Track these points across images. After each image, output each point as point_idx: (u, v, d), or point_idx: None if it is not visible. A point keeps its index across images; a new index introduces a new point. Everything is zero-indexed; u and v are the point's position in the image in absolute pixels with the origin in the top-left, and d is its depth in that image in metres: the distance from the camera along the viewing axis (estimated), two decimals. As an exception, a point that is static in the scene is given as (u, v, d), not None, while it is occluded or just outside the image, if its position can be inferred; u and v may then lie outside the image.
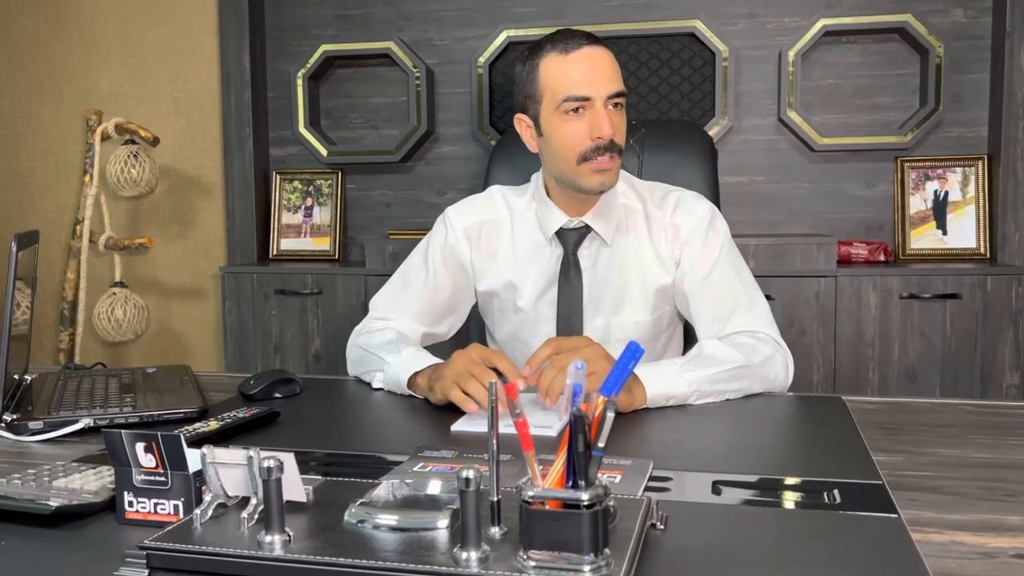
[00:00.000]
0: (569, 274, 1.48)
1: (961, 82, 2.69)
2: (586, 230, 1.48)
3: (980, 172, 2.66)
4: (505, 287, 1.53)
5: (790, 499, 0.85)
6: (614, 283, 1.48)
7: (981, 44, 2.68)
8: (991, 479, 0.91)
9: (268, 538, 0.66)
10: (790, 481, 0.90)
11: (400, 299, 1.56)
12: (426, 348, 1.45)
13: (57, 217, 3.21)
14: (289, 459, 0.70)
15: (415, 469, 0.92)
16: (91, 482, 0.85)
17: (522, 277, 1.51)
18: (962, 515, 0.80)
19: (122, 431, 0.77)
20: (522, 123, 1.46)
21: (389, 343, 1.42)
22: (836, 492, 0.85)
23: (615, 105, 1.38)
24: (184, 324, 3.18)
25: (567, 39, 1.39)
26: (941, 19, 2.68)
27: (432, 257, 1.55)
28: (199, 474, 0.75)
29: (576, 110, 1.37)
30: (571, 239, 1.48)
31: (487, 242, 1.54)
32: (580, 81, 1.36)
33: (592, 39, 1.39)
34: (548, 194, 1.49)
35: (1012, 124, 2.57)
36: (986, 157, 2.66)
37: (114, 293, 2.91)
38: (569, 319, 1.48)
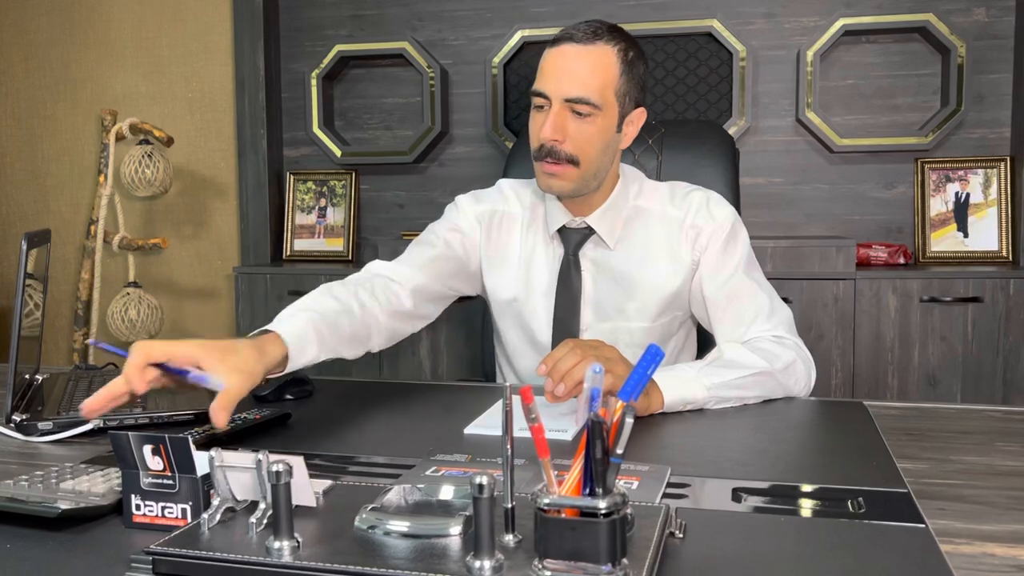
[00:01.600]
0: (569, 275, 1.43)
1: (983, 82, 2.65)
2: (589, 231, 1.42)
3: (1002, 174, 2.62)
4: (510, 283, 1.48)
5: (812, 507, 0.83)
6: (620, 288, 1.42)
7: (1003, 44, 2.64)
8: (1020, 488, 0.88)
9: (276, 544, 0.64)
10: (812, 489, 0.87)
11: (406, 257, 1.45)
12: (397, 338, 1.36)
13: (72, 217, 3.22)
14: (299, 463, 0.69)
15: (427, 473, 0.91)
16: (99, 484, 0.83)
17: (527, 274, 1.47)
18: (992, 525, 0.78)
19: (129, 433, 0.75)
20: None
21: (306, 298, 1.25)
22: (860, 500, 0.83)
23: (577, 113, 1.31)
24: (197, 325, 3.18)
25: (569, 31, 1.33)
26: (963, 18, 2.64)
27: (442, 231, 1.48)
28: (207, 477, 0.73)
29: (540, 106, 1.33)
30: (573, 239, 1.43)
31: (498, 232, 1.49)
32: (545, 76, 1.32)
33: (587, 37, 1.32)
34: None
35: (1035, 125, 2.54)
36: (1008, 158, 2.62)
37: (128, 293, 2.92)
38: (566, 322, 1.42)
